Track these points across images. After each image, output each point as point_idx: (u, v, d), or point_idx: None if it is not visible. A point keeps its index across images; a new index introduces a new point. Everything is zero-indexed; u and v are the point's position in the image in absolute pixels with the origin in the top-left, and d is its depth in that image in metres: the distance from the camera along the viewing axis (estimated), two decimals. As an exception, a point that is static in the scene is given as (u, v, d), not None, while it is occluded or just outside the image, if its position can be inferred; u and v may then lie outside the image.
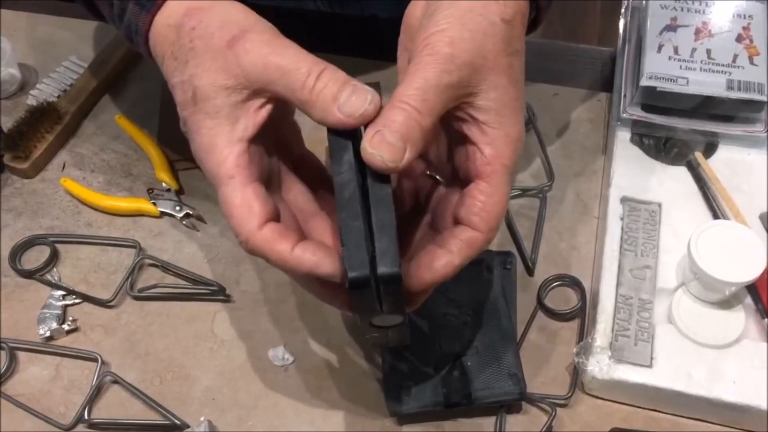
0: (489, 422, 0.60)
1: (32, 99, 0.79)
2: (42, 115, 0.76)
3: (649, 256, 0.63)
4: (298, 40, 0.48)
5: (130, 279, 0.67)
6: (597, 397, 0.61)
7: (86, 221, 0.72)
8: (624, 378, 0.58)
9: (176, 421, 0.60)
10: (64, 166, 0.76)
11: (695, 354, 0.59)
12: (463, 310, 0.62)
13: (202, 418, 0.61)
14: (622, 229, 0.65)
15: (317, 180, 0.55)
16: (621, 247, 0.64)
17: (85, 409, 0.61)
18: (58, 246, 0.70)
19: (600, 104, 0.77)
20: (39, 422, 0.61)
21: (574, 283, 0.66)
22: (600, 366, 0.59)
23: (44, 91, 0.79)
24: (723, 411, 0.58)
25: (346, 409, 0.61)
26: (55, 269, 0.69)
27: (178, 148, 0.74)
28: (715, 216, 0.65)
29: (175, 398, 0.62)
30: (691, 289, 0.61)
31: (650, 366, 0.58)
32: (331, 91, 0.44)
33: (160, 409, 0.61)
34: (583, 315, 0.64)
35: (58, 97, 0.79)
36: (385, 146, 0.43)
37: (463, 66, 0.46)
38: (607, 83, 0.78)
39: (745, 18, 0.71)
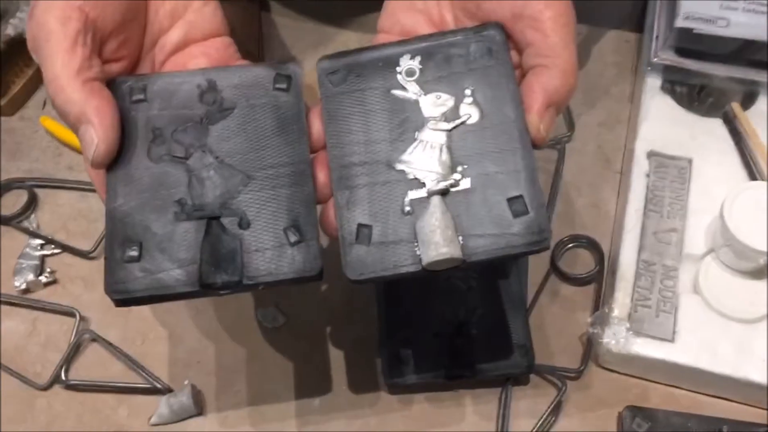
0: (493, 394, 0.55)
1: (11, 29, 0.72)
2: (22, 47, 0.69)
3: (676, 218, 0.57)
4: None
5: (112, 229, 0.62)
6: (612, 371, 0.56)
7: (67, 164, 0.67)
8: (642, 353, 0.53)
9: (157, 384, 0.56)
10: (45, 103, 0.70)
11: (722, 328, 0.53)
12: (468, 273, 0.56)
13: (186, 382, 0.57)
14: (648, 186, 0.59)
15: None
16: (645, 207, 0.58)
17: (61, 368, 0.57)
18: (37, 191, 0.65)
19: (628, 46, 0.70)
20: (13, 381, 0.57)
21: (592, 245, 0.60)
22: (617, 338, 0.54)
23: (24, 20, 0.73)
24: (750, 391, 0.53)
25: (339, 376, 0.57)
26: (33, 215, 0.64)
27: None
28: (752, 176, 0.58)
29: (157, 359, 0.58)
30: (721, 257, 0.55)
31: (672, 340, 0.53)
32: (71, 120, 0.42)
33: (141, 371, 0.57)
34: (600, 280, 0.59)
35: (39, 27, 0.72)
36: (552, 124, 0.43)
37: None
38: (637, 23, 0.70)
39: (796, -49, 0.63)
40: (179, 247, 0.41)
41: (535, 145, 0.43)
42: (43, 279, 0.61)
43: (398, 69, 0.45)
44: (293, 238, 0.42)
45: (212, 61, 0.48)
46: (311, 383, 0.57)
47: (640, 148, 0.61)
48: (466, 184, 0.42)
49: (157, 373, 0.57)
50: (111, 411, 0.57)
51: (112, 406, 0.57)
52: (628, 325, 0.54)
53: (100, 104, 0.42)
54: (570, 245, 0.61)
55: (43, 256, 0.62)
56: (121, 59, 0.45)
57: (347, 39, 0.71)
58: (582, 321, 0.58)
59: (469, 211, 0.41)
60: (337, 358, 0.58)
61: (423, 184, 0.42)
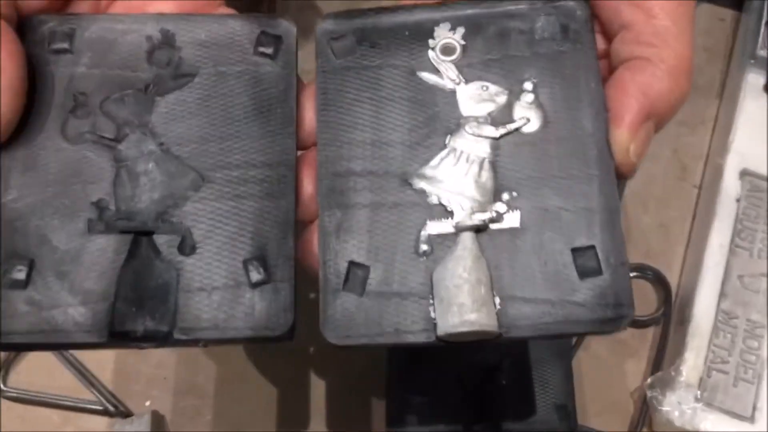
0: (519, 455, 0.45)
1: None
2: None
3: (770, 259, 0.46)
4: None
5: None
6: (669, 441, 0.46)
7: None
8: (713, 431, 0.43)
9: (110, 406, 0.46)
10: None
11: (818, 410, 0.43)
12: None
13: (147, 403, 0.47)
14: (737, 215, 0.47)
15: None
16: (732, 241, 0.46)
17: (-1, 375, 0.47)
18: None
19: (723, 27, 0.57)
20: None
21: (657, 280, 0.49)
22: (681, 409, 0.43)
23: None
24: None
25: (333, 414, 0.47)
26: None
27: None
28: None
29: (116, 372, 0.48)
30: (825, 318, 0.44)
31: (751, 419, 0.42)
32: None
33: (92, 387, 0.47)
34: (665, 325, 0.48)
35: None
36: (646, 146, 0.31)
37: None
38: (736, -2, 0.57)
39: None
40: (88, 272, 0.29)
41: (621, 174, 0.30)
42: (-12, 259, 0.51)
43: (431, 43, 0.33)
44: (256, 276, 0.30)
45: (183, 5, 0.35)
46: (297, 418, 0.47)
47: (731, 163, 0.48)
48: (513, 220, 0.30)
49: (114, 388, 0.47)
50: (55, 429, 0.47)
51: (57, 424, 0.47)
52: (697, 393, 0.43)
53: None
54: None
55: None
56: None
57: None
58: (636, 371, 0.47)
59: (514, 262, 0.29)
60: (332, 391, 0.47)
61: (450, 214, 0.30)
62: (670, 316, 0.47)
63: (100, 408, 0.47)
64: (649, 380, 0.44)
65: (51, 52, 0.32)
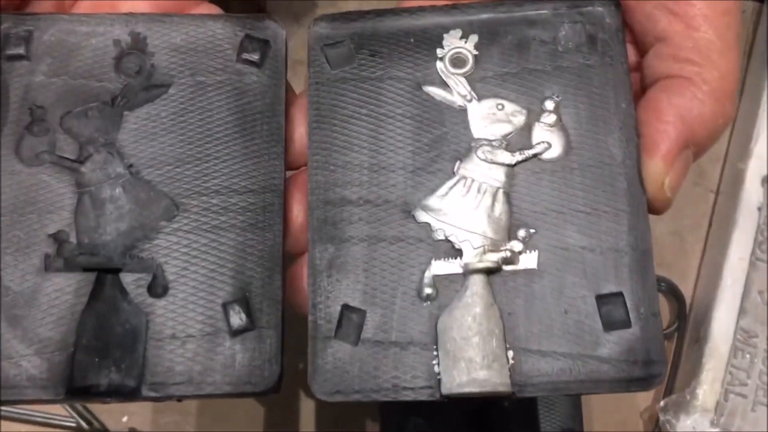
0: (522, 480, 0.43)
1: None
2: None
3: (794, 274, 0.43)
4: None
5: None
6: (680, 466, 0.43)
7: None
8: (730, 460, 0.40)
9: (83, 422, 0.44)
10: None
11: (842, 439, 0.40)
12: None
13: (124, 419, 0.44)
14: (759, 225, 0.44)
15: None
16: (752, 253, 0.44)
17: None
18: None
19: (743, 19, 0.54)
20: None
21: (671, 292, 0.46)
22: (696, 434, 0.41)
23: None
24: None
25: (322, 433, 0.44)
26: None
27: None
28: None
29: (91, 385, 0.45)
30: None
31: (771, 446, 0.40)
32: None
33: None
34: (678, 341, 0.45)
35: None
36: (683, 178, 0.28)
37: None
38: (757, -13, 0.54)
39: None
40: (44, 316, 0.26)
41: (653, 210, 0.27)
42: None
43: (440, 52, 0.29)
44: (237, 322, 0.27)
45: (158, 3, 0.31)
46: (283, 437, 0.44)
47: (753, 169, 0.46)
48: (530, 261, 0.27)
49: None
50: (26, 446, 0.44)
51: (27, 440, 0.44)
52: (714, 418, 0.41)
53: None
54: (641, 286, 0.47)
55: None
56: None
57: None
58: (646, 392, 0.45)
59: (530, 310, 0.26)
60: (323, 411, 0.45)
61: (458, 252, 0.27)
62: (685, 332, 0.45)
63: (73, 424, 0.45)
64: (662, 403, 0.42)
65: (4, 58, 0.28)
